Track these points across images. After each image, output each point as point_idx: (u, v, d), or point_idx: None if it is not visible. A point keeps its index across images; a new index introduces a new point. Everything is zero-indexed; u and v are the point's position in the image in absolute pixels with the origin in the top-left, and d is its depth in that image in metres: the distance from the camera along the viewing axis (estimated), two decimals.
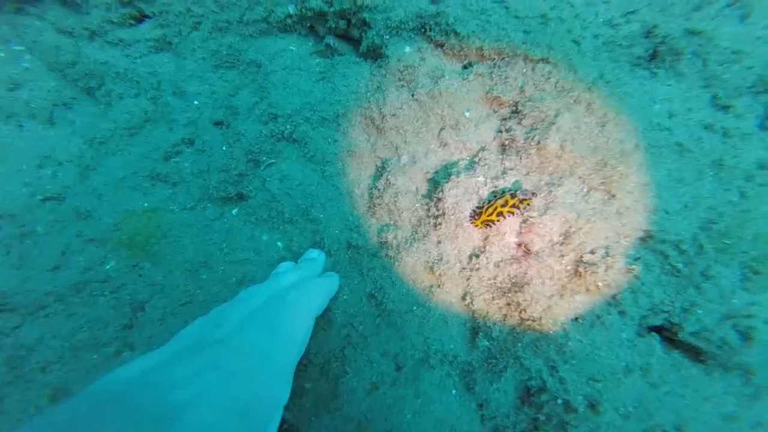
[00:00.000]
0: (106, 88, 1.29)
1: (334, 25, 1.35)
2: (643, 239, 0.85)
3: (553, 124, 0.93)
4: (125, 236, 1.04)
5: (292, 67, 1.21)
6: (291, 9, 1.33)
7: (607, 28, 1.10)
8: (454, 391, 0.82)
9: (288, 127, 1.13)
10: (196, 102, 1.30)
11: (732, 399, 0.80)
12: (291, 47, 1.30)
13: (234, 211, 1.08)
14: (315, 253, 0.95)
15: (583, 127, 0.93)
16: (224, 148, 1.14)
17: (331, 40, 1.32)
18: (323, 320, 0.85)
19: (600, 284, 0.78)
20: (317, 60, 1.28)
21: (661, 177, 0.89)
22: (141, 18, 1.38)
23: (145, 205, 1.14)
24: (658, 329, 0.81)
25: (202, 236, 1.04)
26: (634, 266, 0.80)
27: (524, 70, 1.03)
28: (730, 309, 0.81)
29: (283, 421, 0.77)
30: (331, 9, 1.30)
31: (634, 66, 1.04)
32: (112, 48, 1.32)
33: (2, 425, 0.83)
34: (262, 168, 1.10)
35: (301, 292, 0.74)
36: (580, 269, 0.79)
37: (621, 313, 0.80)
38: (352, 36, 1.31)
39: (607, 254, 0.79)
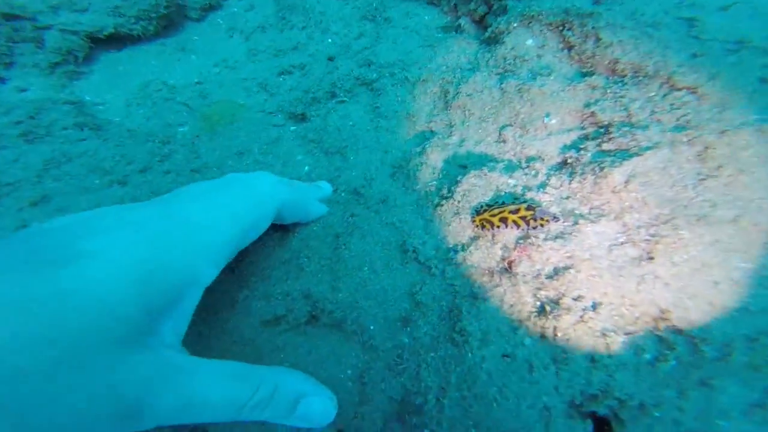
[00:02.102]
0: (290, 19, 1.60)
1: (474, 8, 1.38)
2: (653, 317, 0.64)
3: (638, 156, 0.78)
4: (207, 112, 1.28)
5: (411, 29, 1.29)
6: None
7: None
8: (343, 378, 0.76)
9: (374, 75, 1.21)
10: (330, 39, 1.48)
11: None
12: (425, 17, 1.39)
13: (292, 128, 1.22)
14: (324, 183, 1.00)
15: (672, 172, 0.76)
16: (319, 76, 1.28)
17: (464, 20, 1.36)
18: (281, 237, 0.89)
19: (559, 334, 0.63)
20: (440, 34, 1.33)
21: (744, 270, 0.65)
22: None
23: (242, 102, 1.36)
24: (596, 417, 0.60)
25: (256, 134, 1.20)
26: (614, 337, 0.61)
27: (652, 94, 0.90)
28: None
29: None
30: None
31: None
32: None
33: None
34: (334, 101, 1.20)
35: (270, 184, 0.77)
36: (548, 309, 0.65)
37: (561, 375, 0.62)
38: (487, 24, 1.32)
39: (593, 308, 0.63)
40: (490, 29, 1.25)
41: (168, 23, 1.63)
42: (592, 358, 0.64)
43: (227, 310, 0.82)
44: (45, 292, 0.44)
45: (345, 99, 1.26)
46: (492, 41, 1.20)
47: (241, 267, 0.87)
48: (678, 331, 0.65)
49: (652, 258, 0.69)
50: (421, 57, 1.24)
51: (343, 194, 1.04)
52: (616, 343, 0.64)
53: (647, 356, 0.64)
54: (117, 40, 1.54)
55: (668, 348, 0.63)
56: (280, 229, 0.93)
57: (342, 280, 0.86)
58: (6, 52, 1.32)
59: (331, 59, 1.42)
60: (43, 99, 1.28)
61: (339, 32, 1.54)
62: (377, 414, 0.71)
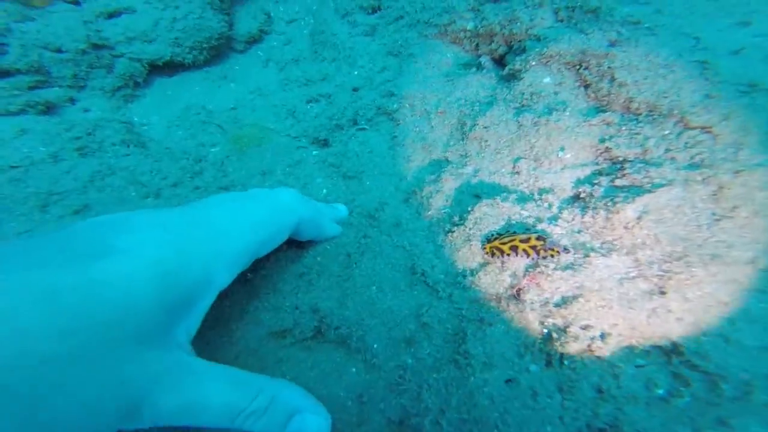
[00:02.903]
0: (322, 53, 1.69)
1: (495, 48, 1.42)
2: (665, 351, 0.61)
3: (651, 192, 0.78)
4: (238, 134, 1.34)
5: (433, 65, 1.33)
6: (470, 25, 1.45)
7: None
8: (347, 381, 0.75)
9: (395, 105, 1.24)
10: (356, 72, 1.55)
11: None
12: (448, 55, 1.44)
13: (315, 152, 1.26)
14: (341, 206, 1.02)
15: (686, 211, 0.75)
16: (343, 104, 1.34)
17: (484, 59, 1.40)
18: (295, 252, 0.90)
19: (566, 362, 0.61)
20: (461, 71, 1.37)
21: (762, 310, 0.62)
22: (376, 9, 1.75)
23: (271, 127, 1.43)
24: None
25: (280, 157, 1.24)
26: (623, 368, 0.59)
27: (666, 132, 0.90)
28: None
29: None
30: (502, 30, 1.37)
31: None
32: (347, 25, 1.75)
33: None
34: (355, 129, 1.24)
35: (291, 199, 0.79)
36: (554, 336, 0.63)
37: (565, 407, 0.59)
38: (506, 63, 1.36)
39: (601, 338, 0.61)
40: (508, 67, 1.28)
41: (216, 53, 1.73)
42: (600, 389, 0.61)
43: (236, 318, 0.83)
44: (74, 283, 0.44)
45: (366, 127, 1.30)
46: (510, 78, 1.23)
47: (254, 278, 0.88)
48: (693, 367, 0.61)
49: (664, 292, 0.67)
50: (441, 90, 1.27)
51: (357, 217, 1.05)
52: (626, 375, 0.61)
53: (660, 391, 0.60)
54: (171, 67, 1.66)
55: (683, 384, 0.60)
56: (294, 245, 0.94)
57: (350, 297, 0.86)
58: (83, 77, 1.45)
59: (355, 90, 1.48)
60: (99, 118, 1.38)
61: (365, 66, 1.60)
62: None
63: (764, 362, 0.60)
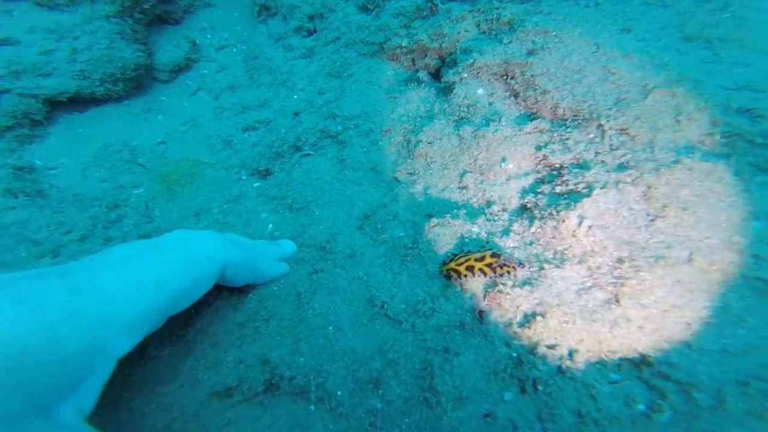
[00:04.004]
0: (259, 78, 1.60)
1: (429, 62, 1.42)
2: (635, 363, 0.59)
3: (588, 197, 0.76)
4: (165, 172, 1.22)
5: (374, 83, 1.30)
6: (404, 41, 1.44)
7: (737, 116, 0.88)
8: None
9: (339, 127, 1.19)
10: (296, 96, 1.48)
11: None
12: (388, 72, 1.41)
13: (256, 184, 1.17)
14: (286, 242, 0.94)
15: (624, 214, 0.75)
16: (283, 131, 1.26)
17: (422, 74, 1.39)
18: (237, 299, 0.81)
19: (540, 387, 0.57)
20: (401, 87, 1.34)
21: (712, 310, 0.62)
22: (312, 32, 1.69)
23: (206, 160, 1.31)
24: None
25: (217, 193, 1.14)
26: (598, 387, 0.56)
27: (592, 135, 0.90)
28: None
29: None
30: (433, 45, 1.36)
31: (757, 169, 0.79)
32: (282, 49, 1.69)
33: None
34: (299, 155, 1.17)
35: (211, 244, 0.70)
36: (524, 360, 0.59)
37: (548, 431, 0.56)
38: (441, 76, 1.35)
39: (570, 357, 0.58)
40: (443, 80, 1.27)
41: (136, 85, 1.59)
42: (579, 413, 0.59)
43: (168, 381, 0.72)
44: None
45: (310, 152, 1.23)
46: (448, 91, 1.22)
47: (187, 333, 0.78)
48: (665, 377, 0.60)
49: (619, 301, 0.66)
50: (384, 108, 1.23)
51: (307, 251, 0.98)
52: (602, 394, 0.59)
53: (640, 407, 0.58)
54: (80, 103, 1.48)
55: (660, 397, 0.58)
56: (236, 291, 0.85)
57: (304, 342, 0.78)
58: None
59: (296, 114, 1.40)
60: None
61: (305, 88, 1.53)
62: None
63: (729, 366, 0.61)
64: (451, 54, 1.38)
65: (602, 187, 0.79)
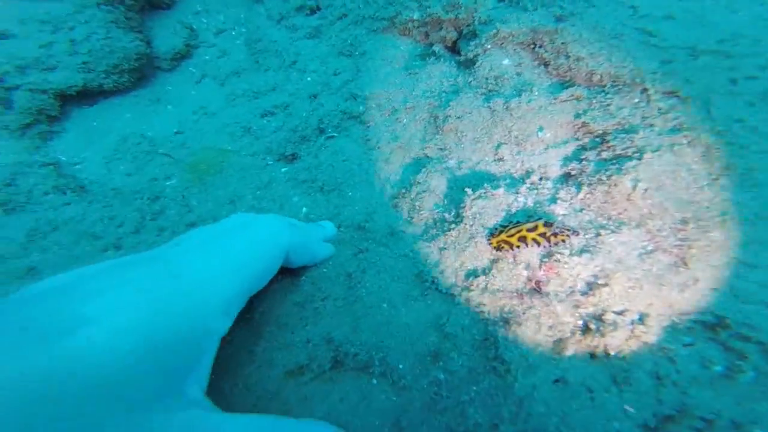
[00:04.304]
0: (265, 62, 1.56)
1: (445, 35, 1.37)
2: (709, 326, 0.59)
3: (640, 161, 0.75)
4: (194, 162, 1.19)
5: (391, 60, 1.27)
6: (416, 15, 1.39)
7: None
8: (378, 418, 0.67)
9: (361, 107, 1.17)
10: (309, 78, 1.44)
11: None
12: (401, 47, 1.37)
13: (284, 169, 1.15)
14: (327, 223, 0.93)
15: (682, 174, 0.72)
16: (304, 114, 1.23)
17: (437, 47, 1.35)
18: (291, 282, 0.81)
19: (611, 352, 0.57)
20: (417, 62, 1.31)
21: None
22: (315, 9, 1.63)
23: (228, 147, 1.29)
24: None
25: (247, 180, 1.12)
26: (674, 349, 0.56)
27: (637, 100, 0.88)
28: None
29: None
30: (448, 16, 1.32)
31: None
32: (286, 30, 1.63)
33: None
34: (323, 138, 1.15)
35: (276, 227, 0.71)
36: (593, 326, 0.59)
37: (625, 394, 0.56)
38: (459, 49, 1.31)
39: (641, 321, 0.58)
40: (464, 52, 1.23)
41: (140, 75, 1.55)
42: (657, 375, 0.58)
43: (247, 363, 0.73)
44: (45, 368, 0.40)
45: (334, 134, 1.21)
46: (470, 64, 1.18)
47: (255, 317, 0.78)
48: (745, 339, 0.60)
49: (687, 264, 0.65)
50: (405, 85, 1.21)
51: (347, 232, 0.97)
52: (680, 356, 0.59)
53: (717, 368, 0.58)
54: (88, 96, 1.45)
55: (739, 357, 0.58)
56: (288, 274, 0.85)
57: (362, 320, 0.78)
58: None
59: (314, 96, 1.37)
60: (16, 163, 1.17)
61: (317, 70, 1.49)
62: None
63: None
64: (468, 25, 1.34)
65: (654, 151, 0.78)
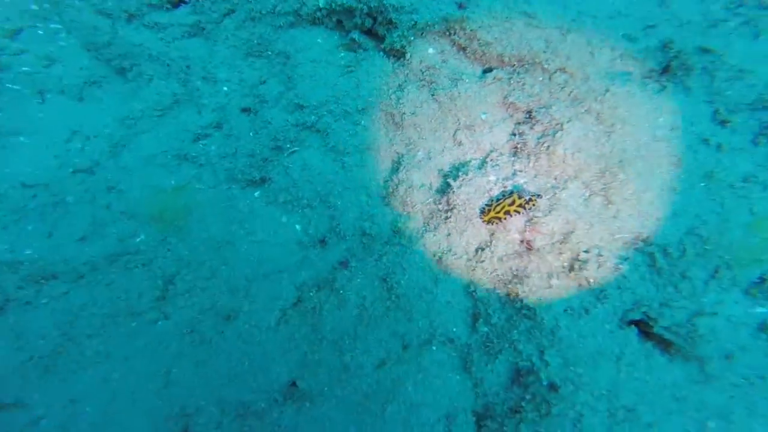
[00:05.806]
0: (138, 69, 1.34)
1: (360, 22, 1.38)
2: (633, 242, 0.94)
3: (563, 131, 1.00)
4: (155, 211, 1.13)
5: (319, 60, 1.28)
6: (321, 2, 1.35)
7: (625, 42, 1.16)
8: (452, 371, 0.91)
9: (312, 117, 1.20)
10: (225, 88, 1.36)
11: (685, 384, 0.90)
12: (318, 40, 1.36)
13: (256, 194, 1.17)
14: None
15: (590, 136, 1.00)
16: (251, 134, 1.22)
17: (356, 35, 1.36)
18: (337, 299, 0.94)
19: (591, 280, 0.88)
20: (342, 54, 1.33)
21: (657, 186, 0.97)
22: (178, 3, 1.42)
23: (172, 182, 1.21)
24: (636, 322, 0.90)
25: (225, 215, 1.13)
26: (621, 265, 0.89)
27: (541, 78, 1.10)
28: (699, 307, 0.91)
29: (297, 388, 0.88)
30: (359, 5, 1.32)
31: (646, 78, 1.10)
32: (148, 30, 1.38)
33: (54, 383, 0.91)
34: (285, 155, 1.18)
35: None
36: (575, 266, 0.88)
37: (606, 306, 0.89)
38: (377, 33, 1.34)
39: (599, 254, 0.89)
40: (387, 41, 1.28)
41: None
42: (619, 287, 0.92)
43: None
44: None
45: (295, 149, 1.23)
46: (400, 55, 1.26)
47: None
48: (651, 244, 0.96)
49: (611, 201, 0.97)
50: (347, 87, 1.23)
51: (353, 240, 1.09)
52: (624, 269, 0.92)
53: (642, 270, 0.94)
54: None
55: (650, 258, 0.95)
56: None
57: (414, 311, 0.98)
58: None
59: (248, 111, 1.31)
60: None
61: (231, 78, 1.39)
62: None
63: (679, 226, 0.97)
64: (381, 12, 1.37)
65: (568, 122, 1.05)
